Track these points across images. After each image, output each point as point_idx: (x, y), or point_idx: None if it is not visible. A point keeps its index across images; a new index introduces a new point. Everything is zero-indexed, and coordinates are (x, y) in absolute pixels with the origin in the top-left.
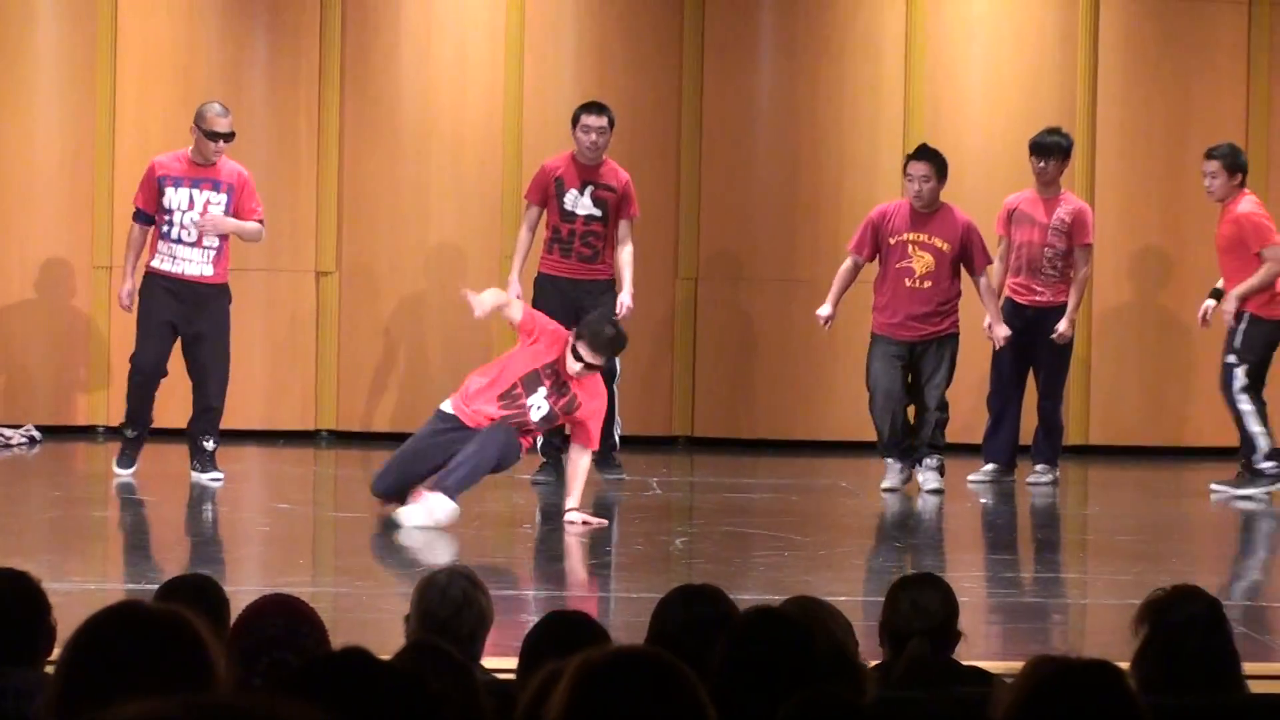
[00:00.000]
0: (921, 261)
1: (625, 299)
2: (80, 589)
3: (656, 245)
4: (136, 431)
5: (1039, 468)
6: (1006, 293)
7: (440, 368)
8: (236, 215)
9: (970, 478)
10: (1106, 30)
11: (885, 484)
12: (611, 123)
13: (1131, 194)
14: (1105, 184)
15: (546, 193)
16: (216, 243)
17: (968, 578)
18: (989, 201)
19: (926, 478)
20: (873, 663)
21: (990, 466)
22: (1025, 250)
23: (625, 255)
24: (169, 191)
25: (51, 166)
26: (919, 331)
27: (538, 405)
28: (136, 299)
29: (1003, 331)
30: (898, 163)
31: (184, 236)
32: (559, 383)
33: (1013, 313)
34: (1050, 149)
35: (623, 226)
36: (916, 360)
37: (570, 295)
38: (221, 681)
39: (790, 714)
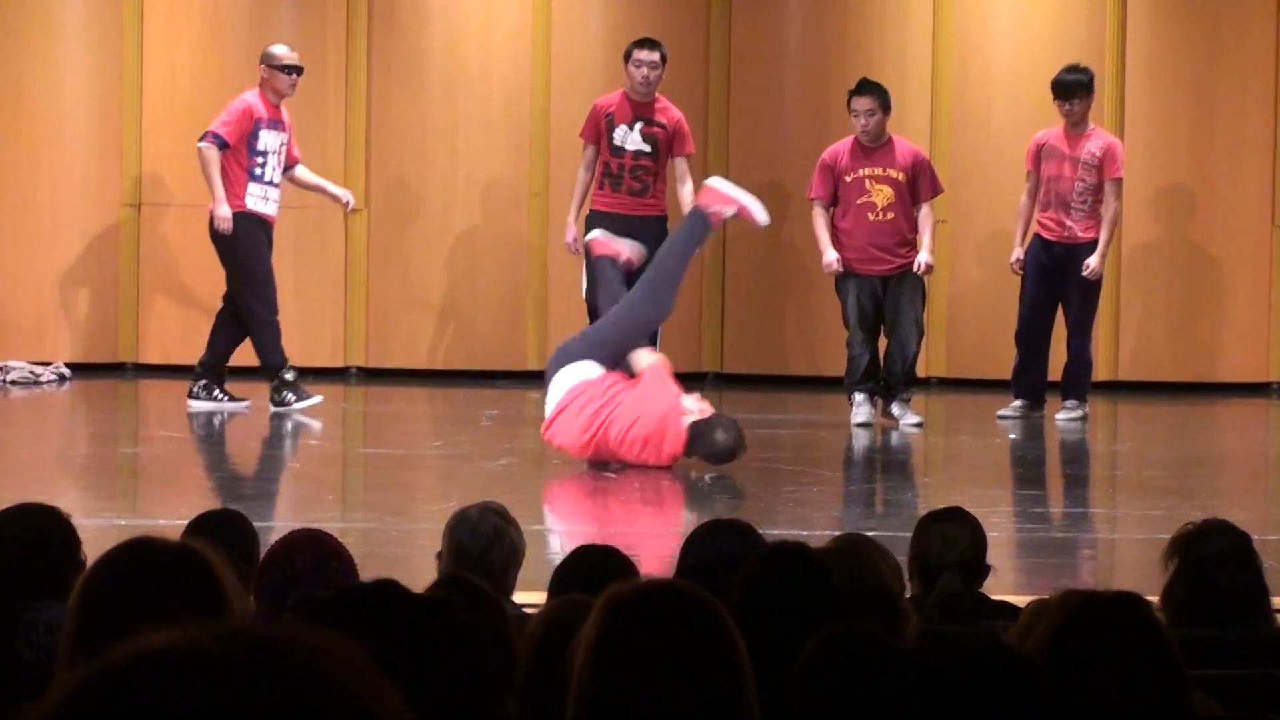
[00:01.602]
0: (881, 194)
1: None
2: (110, 524)
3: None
4: (292, 368)
5: (1069, 403)
6: (1035, 229)
7: (468, 304)
8: (288, 154)
9: (1000, 413)
10: None
11: (857, 419)
12: (664, 58)
13: (1160, 129)
14: (1134, 119)
15: (599, 130)
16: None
17: (996, 513)
18: (1017, 138)
19: (903, 412)
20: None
21: (1019, 402)
22: (1055, 185)
23: (685, 193)
24: (264, 134)
25: (80, 106)
26: (887, 264)
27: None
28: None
29: (926, 259)
30: (926, 99)
31: (274, 178)
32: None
33: (1041, 249)
34: (1073, 88)
35: (679, 164)
36: (886, 293)
37: (621, 232)
38: (236, 615)
39: (815, 648)
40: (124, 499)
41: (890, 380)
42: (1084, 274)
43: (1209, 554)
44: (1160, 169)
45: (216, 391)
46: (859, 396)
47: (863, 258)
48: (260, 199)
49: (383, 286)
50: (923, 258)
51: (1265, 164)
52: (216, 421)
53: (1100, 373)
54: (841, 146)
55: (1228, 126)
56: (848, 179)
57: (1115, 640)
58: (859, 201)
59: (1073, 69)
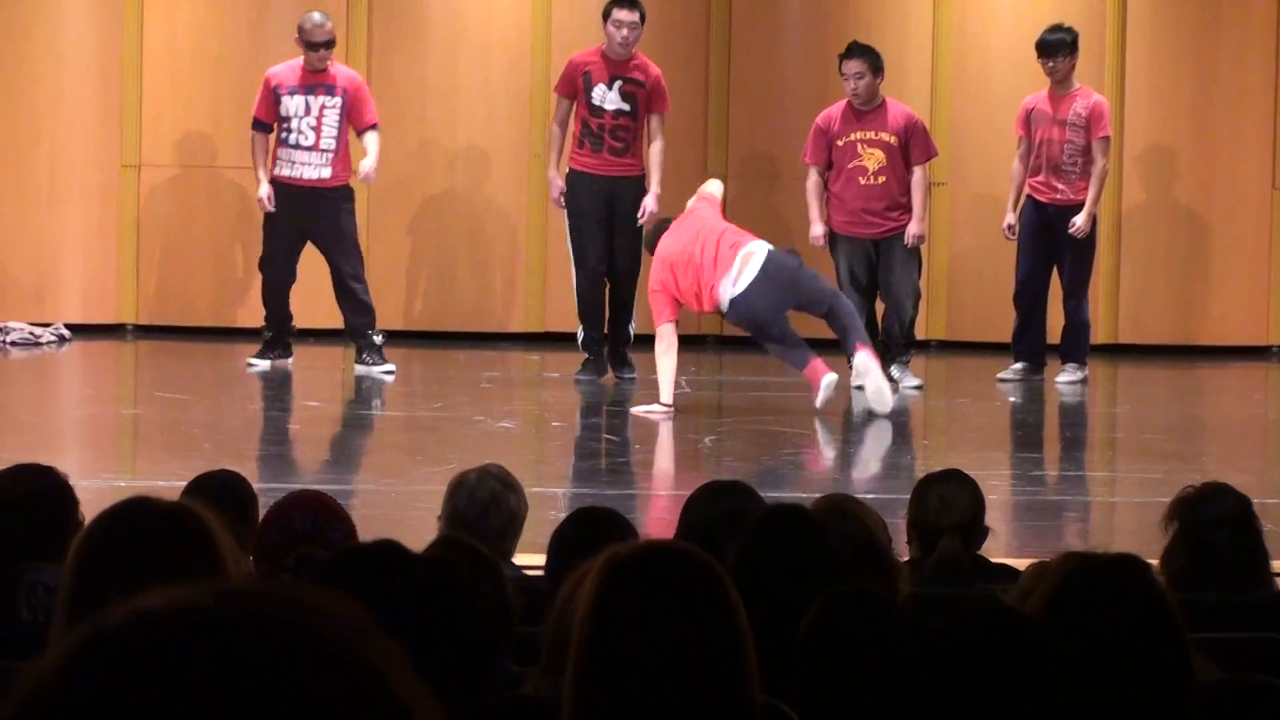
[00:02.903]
0: (873, 158)
1: (649, 202)
2: (109, 485)
3: (686, 143)
4: (273, 332)
5: (1068, 367)
6: (1028, 191)
7: (467, 268)
8: (351, 120)
9: (999, 376)
10: None
11: (858, 382)
12: (643, 18)
13: (1161, 92)
14: (1134, 82)
15: (575, 86)
16: (334, 145)
17: (995, 475)
18: (1017, 103)
19: (903, 375)
20: (902, 559)
21: (1019, 365)
22: (1045, 149)
23: (655, 152)
24: (285, 100)
25: (80, 67)
26: (879, 228)
27: None
28: (271, 202)
29: (915, 230)
30: (927, 62)
31: (301, 141)
32: None
33: (1034, 211)
34: (1055, 46)
35: (653, 121)
36: (881, 256)
37: (605, 192)
38: (231, 574)
39: (818, 610)
40: (123, 460)
41: (888, 343)
42: (1071, 232)
43: (1209, 517)
44: (1161, 132)
45: (364, 355)
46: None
47: (854, 221)
48: (286, 163)
49: (382, 248)
50: (912, 229)
51: (1266, 127)
52: (220, 384)
53: (1100, 336)
54: (835, 110)
55: (1228, 90)
56: (840, 143)
57: (1115, 602)
58: (850, 165)
59: (1056, 29)
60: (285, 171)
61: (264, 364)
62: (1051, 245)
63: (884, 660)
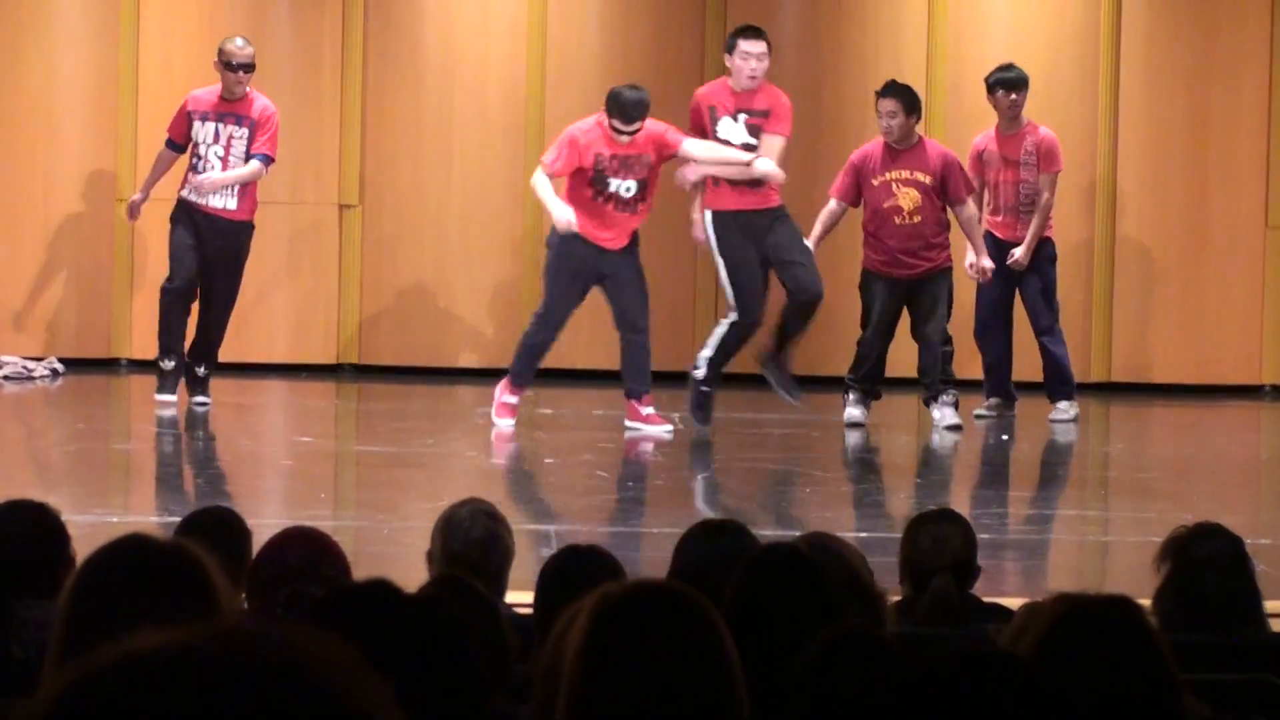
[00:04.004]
0: (908, 198)
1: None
2: (102, 522)
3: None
4: (173, 362)
5: (1060, 405)
6: (986, 227)
7: (462, 302)
8: (251, 145)
9: (975, 412)
10: None
11: (850, 417)
12: (770, 47)
13: (1155, 129)
14: (1128, 120)
15: (703, 124)
16: None
17: (987, 514)
18: None
19: (944, 414)
20: (894, 598)
21: (993, 400)
22: (1002, 190)
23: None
24: (197, 125)
25: (75, 100)
26: (914, 268)
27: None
28: (139, 214)
29: (987, 264)
30: (921, 88)
31: (208, 169)
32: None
33: (994, 247)
34: (1021, 82)
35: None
36: (913, 296)
37: (754, 227)
38: (225, 613)
39: (818, 651)
40: (116, 496)
41: (928, 382)
42: (1009, 264)
43: (1201, 557)
44: (1154, 170)
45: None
46: (853, 395)
47: (890, 262)
48: (194, 189)
49: (376, 283)
50: (970, 260)
51: (1259, 166)
52: (208, 418)
53: (1093, 374)
54: (872, 148)
55: (1222, 127)
56: (874, 182)
57: (1107, 643)
58: (885, 205)
59: (1009, 67)
60: (193, 197)
61: (174, 400)
62: (1014, 281)
63: (878, 702)
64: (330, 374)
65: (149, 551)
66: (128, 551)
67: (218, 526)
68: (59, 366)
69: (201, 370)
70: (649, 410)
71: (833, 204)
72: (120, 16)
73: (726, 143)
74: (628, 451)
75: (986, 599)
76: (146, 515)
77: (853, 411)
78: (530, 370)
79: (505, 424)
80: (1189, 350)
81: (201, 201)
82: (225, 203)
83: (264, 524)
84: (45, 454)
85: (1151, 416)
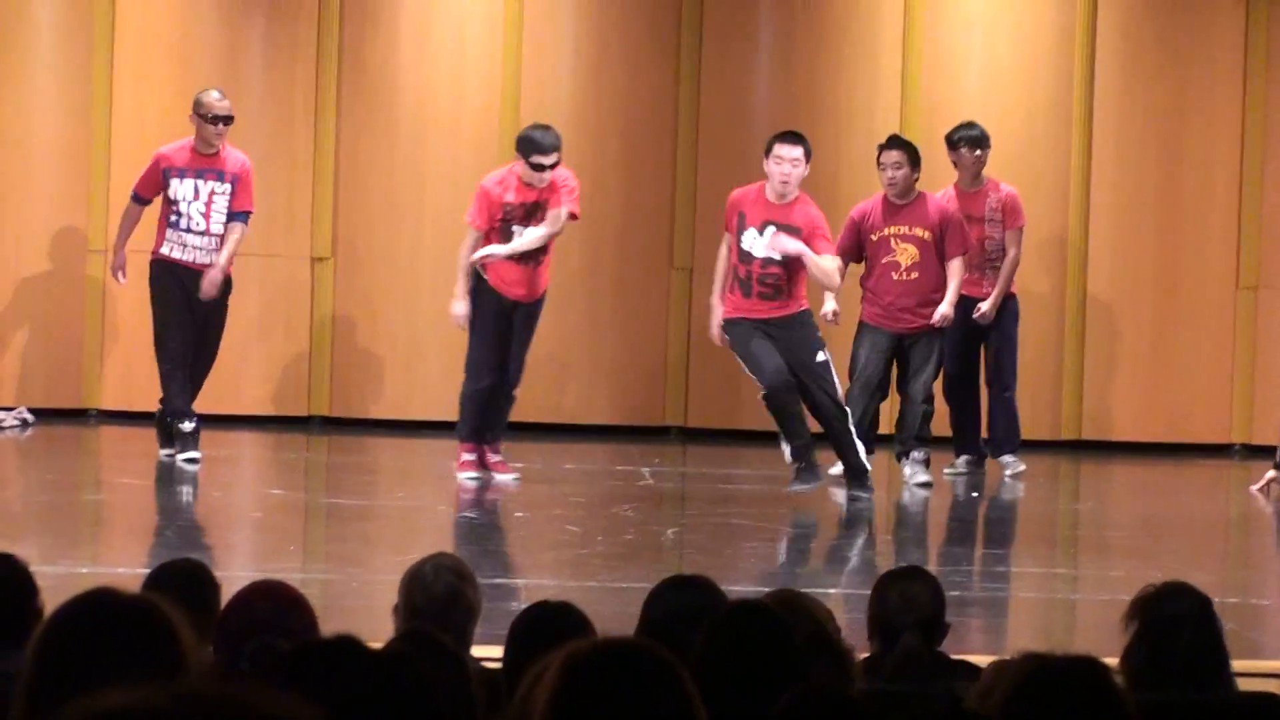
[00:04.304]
0: (906, 253)
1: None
2: (70, 573)
3: (652, 236)
4: (193, 423)
5: (1008, 459)
6: None
7: (434, 355)
8: (235, 203)
9: (946, 470)
10: (1104, 26)
11: (836, 470)
12: (808, 154)
13: (1126, 189)
14: (1100, 179)
15: (730, 225)
16: (222, 230)
17: (957, 571)
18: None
19: (914, 471)
20: (862, 655)
21: (963, 459)
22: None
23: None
24: (174, 183)
25: (48, 150)
26: (909, 323)
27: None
28: (121, 273)
29: (949, 311)
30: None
31: (192, 226)
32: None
33: (960, 306)
34: (986, 139)
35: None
36: (905, 351)
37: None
38: (192, 669)
39: (787, 708)
40: (85, 546)
41: (902, 438)
42: (975, 317)
43: (1169, 616)
44: (1126, 228)
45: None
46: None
47: (886, 316)
48: (177, 245)
49: (348, 336)
50: (942, 308)
51: (1230, 224)
52: (178, 469)
53: (1063, 432)
54: (871, 204)
55: (1194, 186)
56: (874, 237)
57: (1074, 703)
58: (884, 260)
59: (970, 125)
60: (176, 254)
61: (200, 455)
62: (979, 337)
63: None
64: (301, 426)
65: (116, 606)
66: (95, 605)
67: (186, 579)
68: (29, 417)
69: (188, 425)
70: (497, 458)
71: (837, 262)
72: (93, 70)
73: (748, 254)
74: (598, 506)
75: (955, 656)
76: (115, 566)
77: (840, 467)
78: (474, 423)
79: (467, 478)
80: (1158, 409)
81: (188, 259)
82: (211, 257)
83: (233, 576)
84: (14, 504)
85: (1120, 475)
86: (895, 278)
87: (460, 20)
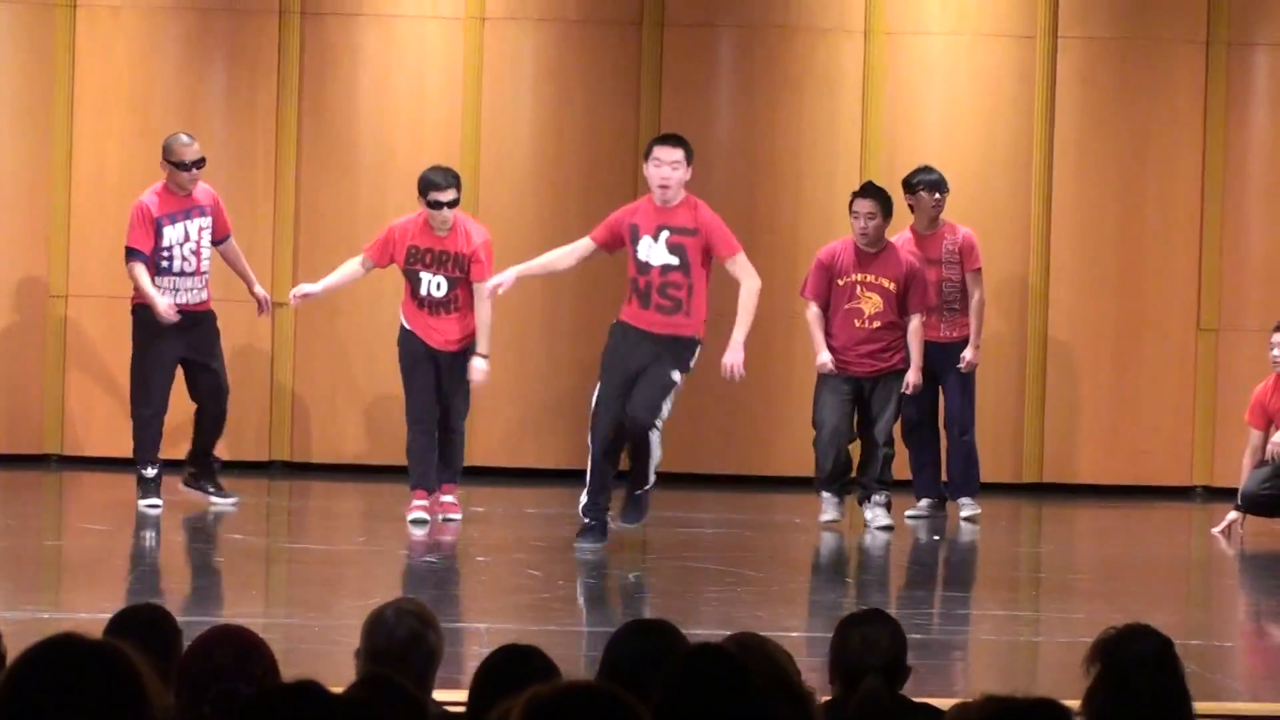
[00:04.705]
0: (870, 302)
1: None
2: (33, 618)
3: (612, 278)
4: (155, 469)
5: (965, 501)
6: None
7: (396, 400)
8: (217, 231)
9: (907, 514)
10: (1064, 70)
11: (825, 517)
12: (688, 157)
13: (1087, 232)
14: (1060, 222)
15: (622, 241)
16: (209, 267)
17: (918, 614)
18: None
19: (876, 514)
20: (823, 698)
21: (925, 502)
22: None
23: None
24: (167, 230)
25: (7, 195)
26: (871, 367)
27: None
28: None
29: (917, 379)
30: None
31: (185, 268)
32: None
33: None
34: (944, 183)
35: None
36: (866, 396)
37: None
38: (156, 715)
39: None
40: (46, 592)
41: (864, 481)
42: (960, 368)
43: (1131, 658)
44: (1086, 271)
45: (203, 482)
46: (826, 495)
47: (846, 360)
48: (169, 290)
49: (308, 379)
50: (911, 378)
51: (1191, 267)
52: (140, 515)
53: (1024, 474)
54: (839, 247)
55: (1154, 229)
56: (840, 281)
57: None
58: (847, 306)
59: (927, 169)
60: (169, 299)
61: (161, 503)
62: (937, 380)
63: None
64: (261, 471)
65: (80, 650)
66: (59, 650)
67: (148, 624)
68: None
69: (217, 464)
70: (448, 499)
71: (814, 308)
72: (54, 117)
73: (646, 264)
74: (559, 550)
75: (916, 699)
76: (76, 612)
77: (828, 510)
78: (420, 469)
79: (417, 528)
80: (1120, 451)
81: (181, 302)
82: (200, 296)
83: (195, 621)
84: None
85: (1081, 517)
86: (857, 325)
87: (420, 68)
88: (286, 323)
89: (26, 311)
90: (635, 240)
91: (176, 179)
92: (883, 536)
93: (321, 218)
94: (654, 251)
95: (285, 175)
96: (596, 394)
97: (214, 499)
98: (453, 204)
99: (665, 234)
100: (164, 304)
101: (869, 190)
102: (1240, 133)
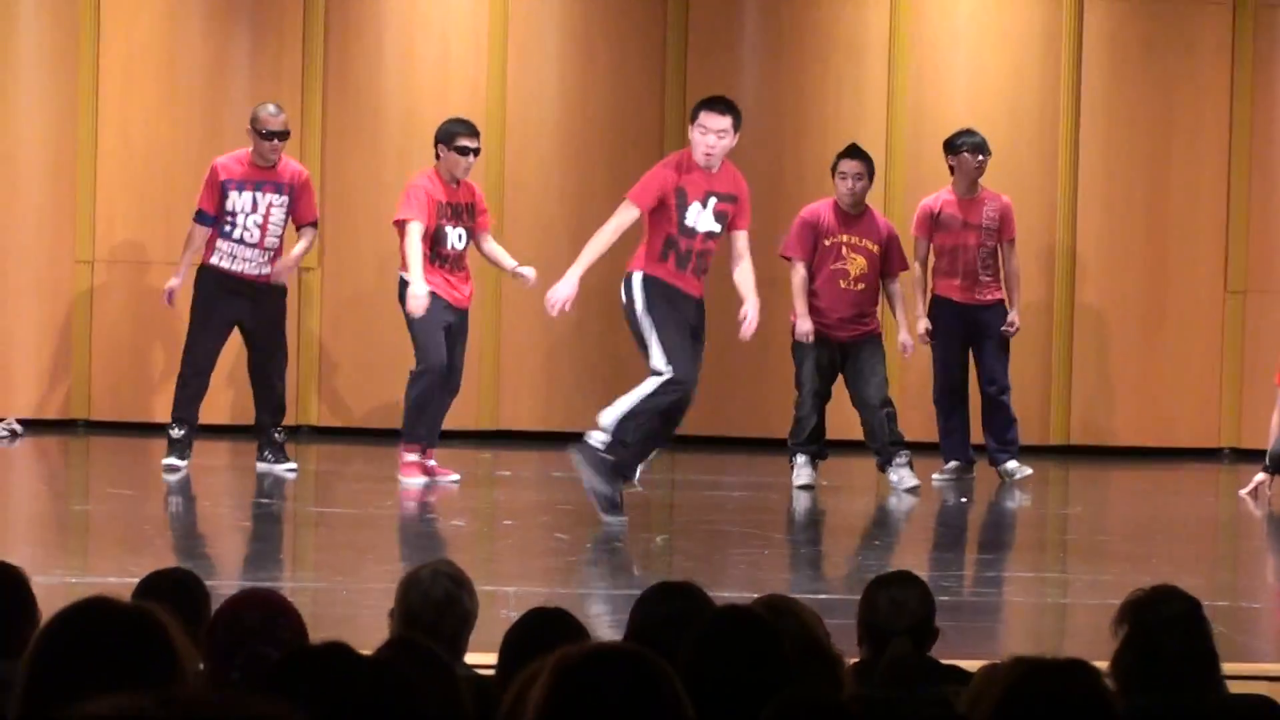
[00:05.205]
0: (855, 264)
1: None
2: (61, 582)
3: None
4: (184, 429)
5: (1012, 465)
6: (940, 293)
7: None
8: (292, 213)
9: (935, 476)
10: (1090, 31)
11: (800, 481)
12: (737, 125)
13: (1114, 194)
14: (1088, 185)
15: (667, 198)
16: (277, 244)
17: (946, 576)
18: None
19: (901, 476)
20: (851, 661)
21: (952, 464)
22: (960, 255)
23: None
24: (233, 195)
25: (34, 162)
26: (851, 331)
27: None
28: (176, 299)
29: (910, 341)
30: (880, 165)
31: (246, 238)
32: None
33: (950, 313)
34: (987, 146)
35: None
36: (848, 360)
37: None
38: (188, 677)
39: (775, 714)
40: (75, 556)
41: (878, 447)
42: (1009, 331)
43: (1159, 620)
44: (1114, 234)
45: (265, 452)
46: (801, 458)
47: (827, 323)
48: (227, 255)
49: (336, 345)
50: (904, 339)
51: (1218, 229)
52: (168, 479)
53: (1052, 437)
54: (822, 207)
55: (1181, 192)
56: (826, 242)
57: (1063, 707)
58: (832, 267)
59: (971, 131)
60: (225, 264)
61: (183, 465)
62: (970, 342)
63: None
64: (290, 435)
65: (112, 614)
66: (91, 613)
67: (176, 588)
68: (18, 428)
69: (280, 435)
70: (433, 462)
71: (800, 269)
72: (79, 82)
73: (693, 229)
74: (587, 513)
75: (945, 661)
76: (105, 576)
77: (802, 475)
78: (420, 424)
79: (412, 482)
80: (1147, 414)
81: (237, 270)
82: (260, 269)
83: (222, 585)
84: (3, 515)
85: (1110, 479)
86: (842, 286)
87: (444, 34)
88: (313, 288)
89: (53, 277)
90: (683, 205)
91: (258, 148)
92: (909, 498)
93: (347, 185)
94: (702, 218)
95: (310, 143)
96: (674, 353)
97: (266, 466)
98: (478, 152)
99: (713, 201)
100: (174, 283)
101: (856, 151)
102: (1267, 93)
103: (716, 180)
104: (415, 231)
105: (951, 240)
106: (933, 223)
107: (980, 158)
